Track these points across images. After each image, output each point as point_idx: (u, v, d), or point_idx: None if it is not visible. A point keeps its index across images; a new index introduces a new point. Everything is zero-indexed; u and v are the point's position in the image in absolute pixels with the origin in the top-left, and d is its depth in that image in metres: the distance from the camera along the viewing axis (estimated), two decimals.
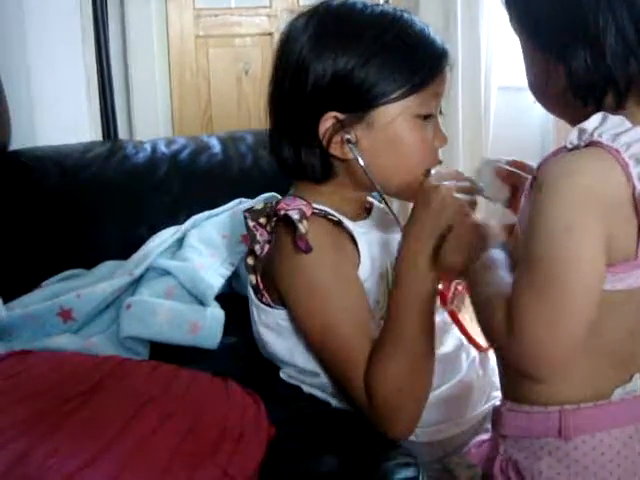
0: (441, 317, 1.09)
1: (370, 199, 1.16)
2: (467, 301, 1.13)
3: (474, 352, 1.15)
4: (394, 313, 0.98)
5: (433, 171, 1.03)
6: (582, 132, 0.76)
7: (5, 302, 1.30)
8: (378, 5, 1.06)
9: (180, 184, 1.56)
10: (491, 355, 1.15)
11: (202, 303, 1.32)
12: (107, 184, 1.52)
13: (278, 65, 1.05)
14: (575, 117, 0.80)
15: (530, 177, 0.82)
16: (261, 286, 1.07)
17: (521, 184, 0.95)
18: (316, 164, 1.04)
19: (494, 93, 2.70)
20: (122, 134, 1.97)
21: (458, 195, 0.97)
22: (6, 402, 0.88)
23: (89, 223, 1.49)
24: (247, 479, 0.84)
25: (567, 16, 0.77)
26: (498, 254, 0.84)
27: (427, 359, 0.99)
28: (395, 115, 1.01)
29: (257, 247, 1.07)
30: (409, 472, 0.95)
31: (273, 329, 1.08)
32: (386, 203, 1.09)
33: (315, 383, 1.08)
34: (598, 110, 0.77)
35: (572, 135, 0.76)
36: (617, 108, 0.78)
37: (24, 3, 1.78)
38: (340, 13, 1.03)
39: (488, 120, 2.70)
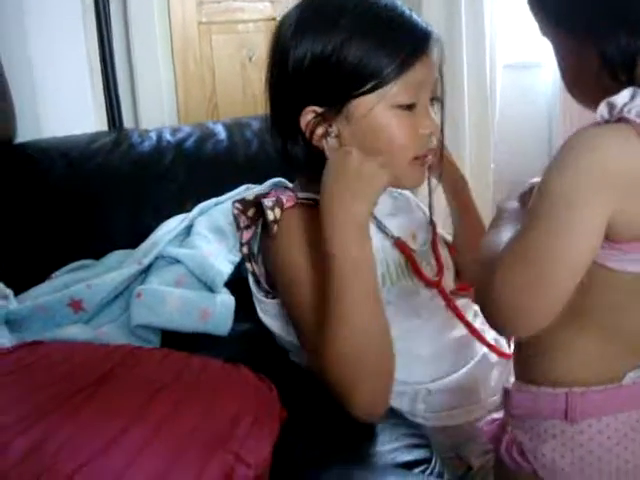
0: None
1: None
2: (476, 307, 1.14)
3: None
4: (333, 282, 0.95)
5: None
6: (612, 107, 0.74)
7: (16, 294, 1.31)
8: None
9: (186, 172, 1.56)
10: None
11: (212, 290, 1.32)
12: (113, 174, 1.53)
13: (269, 54, 1.06)
14: None
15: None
16: (257, 273, 1.08)
17: None
18: (301, 156, 1.04)
19: (499, 71, 2.68)
20: (127, 123, 1.97)
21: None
22: (20, 392, 0.88)
23: (97, 213, 1.49)
24: (261, 463, 0.84)
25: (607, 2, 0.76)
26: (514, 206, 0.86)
27: (375, 328, 0.96)
28: (372, 105, 0.99)
29: (238, 234, 1.07)
30: (422, 453, 0.96)
31: (273, 315, 1.10)
32: None
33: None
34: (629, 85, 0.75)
35: (602, 108, 0.74)
36: None
37: None
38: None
39: (494, 99, 2.68)
